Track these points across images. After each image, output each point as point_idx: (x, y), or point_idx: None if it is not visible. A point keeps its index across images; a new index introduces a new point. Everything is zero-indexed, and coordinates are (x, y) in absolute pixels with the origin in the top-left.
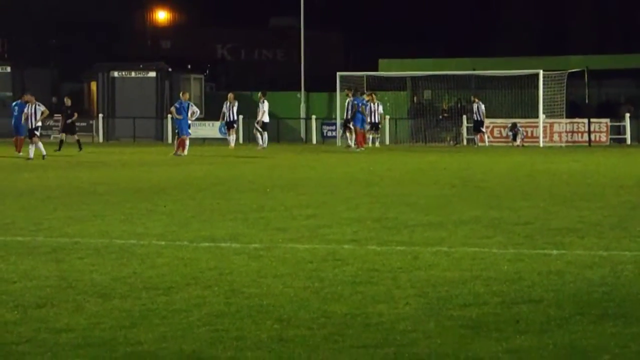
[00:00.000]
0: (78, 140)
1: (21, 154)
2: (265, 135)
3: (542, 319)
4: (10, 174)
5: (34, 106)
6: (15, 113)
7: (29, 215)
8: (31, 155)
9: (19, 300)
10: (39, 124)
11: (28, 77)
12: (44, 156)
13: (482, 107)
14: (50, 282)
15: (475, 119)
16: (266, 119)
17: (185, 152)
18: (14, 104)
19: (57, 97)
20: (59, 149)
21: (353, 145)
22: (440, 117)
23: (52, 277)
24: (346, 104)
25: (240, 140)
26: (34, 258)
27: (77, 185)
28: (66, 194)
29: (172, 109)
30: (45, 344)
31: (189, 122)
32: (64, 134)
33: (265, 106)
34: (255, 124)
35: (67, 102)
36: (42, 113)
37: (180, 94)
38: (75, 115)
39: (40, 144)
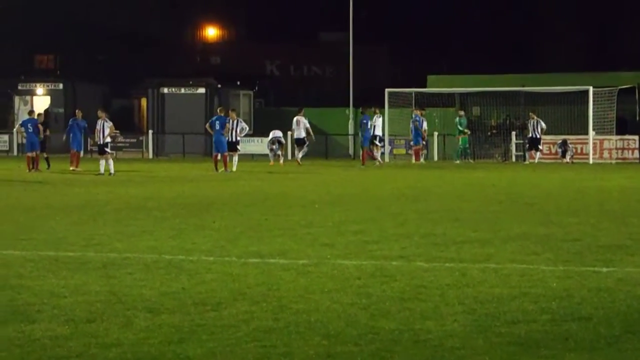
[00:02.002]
0: (47, 158)
1: (78, 169)
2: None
3: (591, 337)
4: (62, 189)
5: (102, 122)
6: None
7: (79, 230)
8: (102, 170)
9: (70, 315)
10: (108, 139)
11: (80, 93)
12: (110, 173)
13: (542, 124)
14: (100, 297)
15: (532, 136)
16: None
17: (234, 168)
18: (70, 120)
19: (108, 113)
20: (49, 167)
21: (379, 160)
22: (489, 133)
23: (102, 292)
24: (373, 120)
25: (289, 157)
26: (85, 273)
27: (126, 201)
28: (116, 209)
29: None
30: (95, 359)
31: (238, 138)
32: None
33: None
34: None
35: (41, 118)
36: (110, 129)
37: (218, 110)
38: (48, 131)
39: (111, 161)
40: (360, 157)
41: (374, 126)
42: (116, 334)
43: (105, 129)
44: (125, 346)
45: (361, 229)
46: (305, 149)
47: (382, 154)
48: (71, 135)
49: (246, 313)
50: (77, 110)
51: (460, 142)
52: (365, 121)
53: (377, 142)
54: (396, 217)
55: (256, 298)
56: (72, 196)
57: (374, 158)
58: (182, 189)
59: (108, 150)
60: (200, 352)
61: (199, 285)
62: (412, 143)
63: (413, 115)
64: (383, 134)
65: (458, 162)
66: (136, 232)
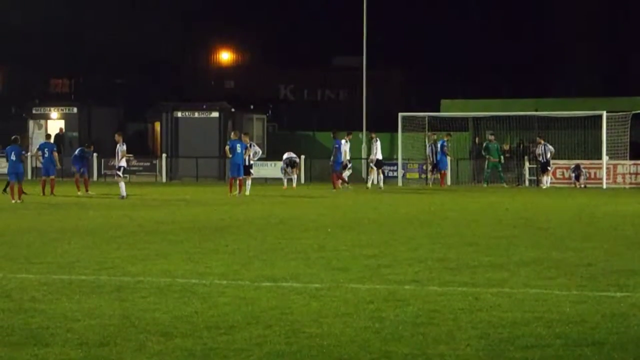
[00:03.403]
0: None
1: (89, 192)
2: (346, 173)
3: None
4: (75, 213)
5: (118, 146)
6: (76, 154)
7: (93, 253)
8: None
9: (83, 339)
10: (122, 163)
11: (94, 117)
12: (122, 196)
13: (550, 147)
14: (114, 321)
15: (541, 160)
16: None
17: (248, 191)
18: (78, 150)
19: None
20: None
21: (380, 184)
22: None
23: (115, 316)
24: (372, 145)
25: (302, 180)
26: (98, 296)
27: (140, 224)
28: (129, 233)
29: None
30: None
31: (251, 161)
32: None
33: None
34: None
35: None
36: (122, 153)
37: (232, 133)
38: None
39: (123, 184)
40: (331, 182)
41: (376, 150)
42: (129, 358)
43: (119, 152)
44: None
45: (374, 253)
46: (346, 171)
47: (385, 177)
48: (73, 162)
49: (259, 337)
50: (91, 145)
51: (487, 166)
52: (337, 145)
53: (372, 165)
54: (409, 241)
55: (269, 322)
56: (86, 219)
57: (344, 182)
58: (196, 212)
59: (119, 173)
60: None
61: (212, 309)
62: (437, 168)
63: (440, 141)
64: (390, 158)
65: (485, 185)
66: (149, 255)
